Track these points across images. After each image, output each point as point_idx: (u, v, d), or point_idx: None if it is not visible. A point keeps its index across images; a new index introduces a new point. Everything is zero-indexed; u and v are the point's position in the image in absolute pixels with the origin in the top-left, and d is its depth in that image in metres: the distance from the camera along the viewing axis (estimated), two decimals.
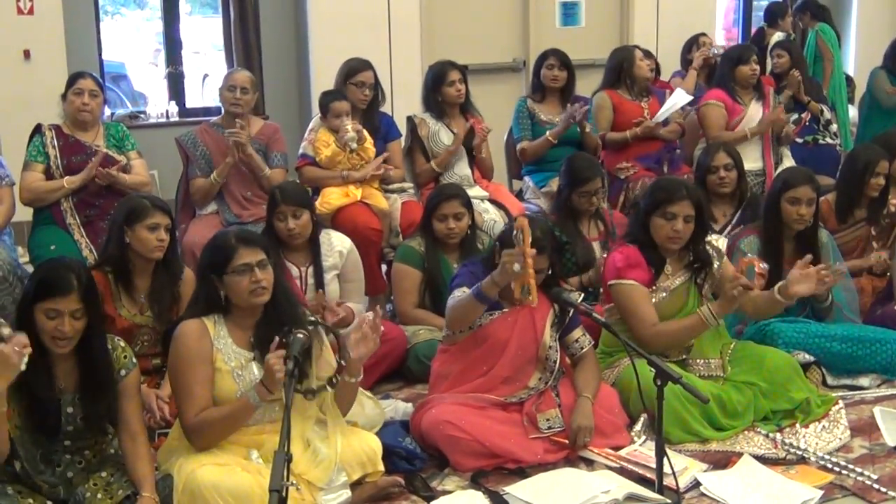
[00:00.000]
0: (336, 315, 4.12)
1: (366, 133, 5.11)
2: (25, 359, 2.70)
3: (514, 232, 3.38)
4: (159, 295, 3.80)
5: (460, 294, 3.61)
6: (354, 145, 5.03)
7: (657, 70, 7.16)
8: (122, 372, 3.04)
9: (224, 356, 3.13)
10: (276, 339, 2.98)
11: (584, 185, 4.75)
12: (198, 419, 3.04)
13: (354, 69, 5.30)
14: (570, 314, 3.76)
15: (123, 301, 3.78)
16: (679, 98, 5.96)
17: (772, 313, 4.04)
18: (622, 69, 5.99)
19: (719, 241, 4.06)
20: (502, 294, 3.62)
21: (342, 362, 3.15)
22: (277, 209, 4.23)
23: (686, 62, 7.41)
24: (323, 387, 3.14)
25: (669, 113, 5.91)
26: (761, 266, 3.70)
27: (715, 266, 3.96)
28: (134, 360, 3.09)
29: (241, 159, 4.98)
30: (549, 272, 3.71)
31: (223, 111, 5.15)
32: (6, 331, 2.74)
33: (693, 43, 7.43)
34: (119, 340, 3.10)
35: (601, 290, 4.27)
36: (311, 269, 4.31)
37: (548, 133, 5.65)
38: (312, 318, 3.24)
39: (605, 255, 4.15)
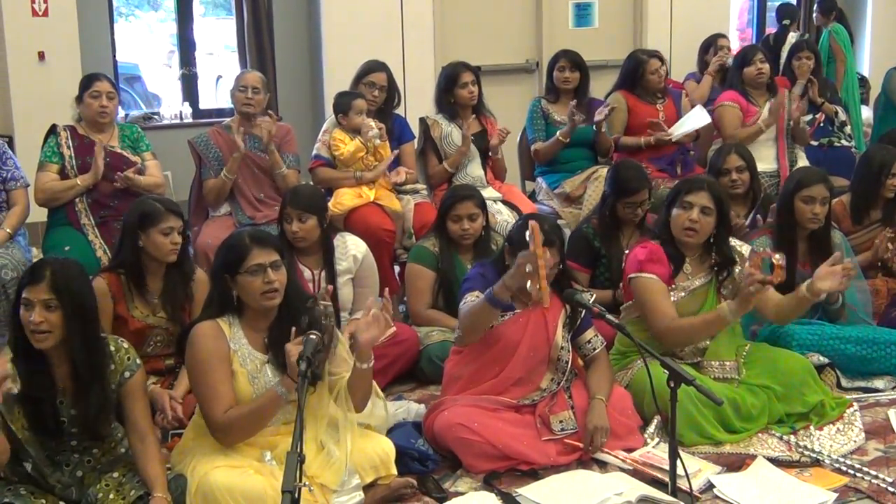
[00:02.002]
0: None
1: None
2: (16, 383, 2.77)
3: (527, 233, 3.37)
4: (172, 295, 3.83)
5: (473, 299, 3.60)
6: (378, 141, 5.04)
7: (667, 69, 7.09)
8: (126, 374, 3.02)
9: (240, 358, 3.13)
10: (294, 329, 2.98)
11: (631, 196, 4.62)
12: (226, 417, 3.04)
13: (366, 70, 5.35)
14: (582, 315, 3.76)
15: (136, 302, 3.80)
16: (698, 120, 5.91)
17: (796, 315, 3.96)
18: (636, 74, 5.98)
19: (743, 248, 4.03)
20: (514, 294, 3.62)
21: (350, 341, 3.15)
22: (285, 210, 4.26)
23: (703, 63, 7.36)
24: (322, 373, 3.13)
25: (686, 132, 5.87)
26: (777, 257, 3.64)
27: (737, 271, 3.93)
28: (138, 361, 3.08)
29: (257, 158, 5.00)
30: (560, 267, 3.71)
31: (235, 112, 5.17)
32: None
33: (711, 44, 7.37)
34: (122, 342, 3.09)
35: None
36: (323, 273, 4.31)
37: (558, 133, 5.64)
38: (325, 316, 3.23)
39: (626, 253, 4.13)
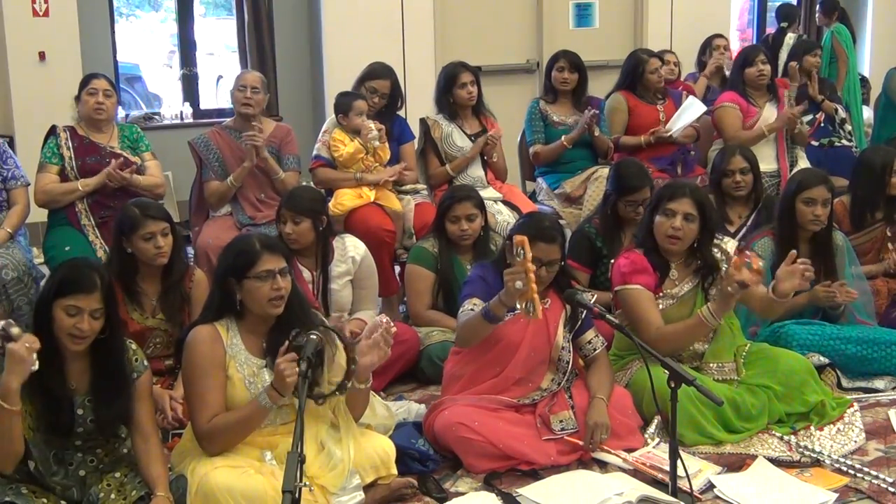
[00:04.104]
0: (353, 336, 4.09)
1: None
2: (36, 359, 2.74)
3: (515, 249, 3.35)
4: (169, 297, 3.82)
5: (471, 308, 3.60)
6: (377, 143, 5.03)
7: (678, 69, 7.07)
8: (134, 374, 3.04)
9: (237, 363, 3.12)
10: (287, 342, 2.97)
11: (632, 194, 4.58)
12: (210, 425, 3.04)
13: (370, 74, 5.33)
14: (583, 315, 3.75)
15: (134, 305, 3.80)
16: (693, 111, 5.92)
17: (778, 312, 3.97)
18: (636, 74, 5.98)
19: (728, 244, 4.01)
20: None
21: (352, 367, 3.13)
22: (280, 211, 4.29)
23: (701, 64, 7.38)
24: (333, 392, 3.12)
25: (683, 126, 5.87)
26: (759, 264, 3.60)
27: (722, 269, 3.92)
28: (145, 362, 3.09)
29: (257, 163, 5.00)
30: (561, 265, 3.70)
31: (235, 113, 5.16)
32: (15, 330, 2.76)
33: (708, 45, 7.39)
34: (130, 343, 3.10)
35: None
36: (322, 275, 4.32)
37: (563, 138, 5.63)
38: (327, 325, 3.22)
39: (611, 262, 4.12)
